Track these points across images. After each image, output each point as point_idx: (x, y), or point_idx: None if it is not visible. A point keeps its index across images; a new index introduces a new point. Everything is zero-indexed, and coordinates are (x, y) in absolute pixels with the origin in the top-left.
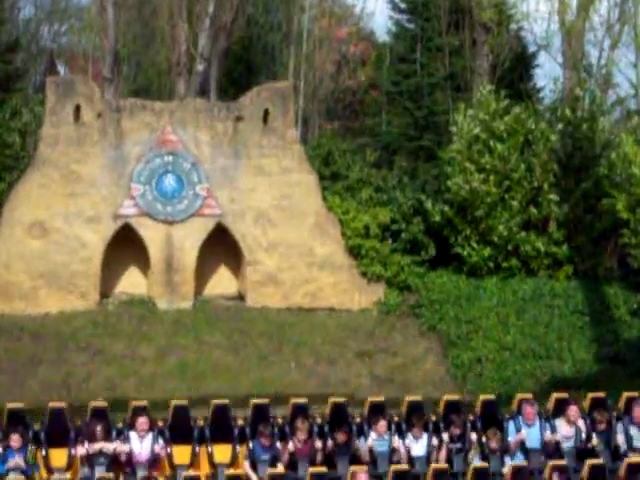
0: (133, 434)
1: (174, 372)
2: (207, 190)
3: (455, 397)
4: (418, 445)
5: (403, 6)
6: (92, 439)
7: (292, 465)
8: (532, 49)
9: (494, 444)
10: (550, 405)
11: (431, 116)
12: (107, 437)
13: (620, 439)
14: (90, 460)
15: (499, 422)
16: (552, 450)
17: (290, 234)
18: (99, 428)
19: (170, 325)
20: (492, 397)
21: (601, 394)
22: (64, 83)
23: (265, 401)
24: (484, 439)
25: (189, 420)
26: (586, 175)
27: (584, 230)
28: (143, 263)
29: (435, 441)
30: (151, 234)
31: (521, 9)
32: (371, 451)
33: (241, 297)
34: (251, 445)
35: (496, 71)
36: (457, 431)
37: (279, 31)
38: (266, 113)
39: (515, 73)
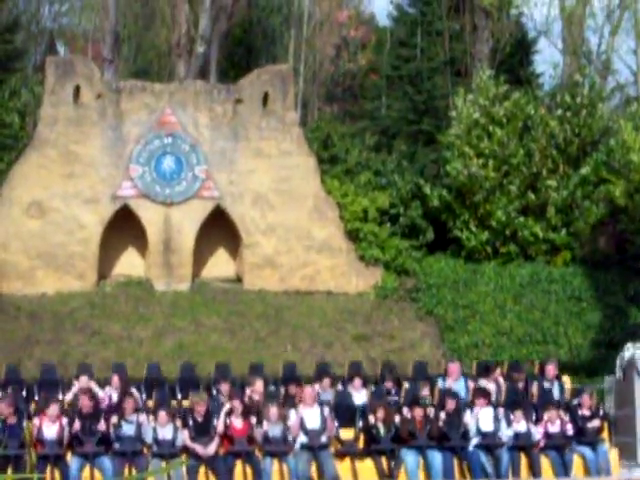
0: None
1: (171, 354)
2: (206, 172)
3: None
4: (361, 395)
5: None
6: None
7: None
8: (532, 35)
9: (425, 393)
10: (474, 369)
11: (430, 100)
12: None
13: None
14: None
15: (430, 378)
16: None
17: (288, 217)
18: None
19: (167, 307)
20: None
21: (516, 361)
22: (64, 63)
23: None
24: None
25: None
26: (584, 161)
27: (582, 216)
28: (141, 245)
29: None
30: (149, 216)
31: None
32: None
33: (238, 279)
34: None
35: (496, 56)
36: (391, 385)
37: (279, 14)
38: (266, 96)
39: (515, 58)
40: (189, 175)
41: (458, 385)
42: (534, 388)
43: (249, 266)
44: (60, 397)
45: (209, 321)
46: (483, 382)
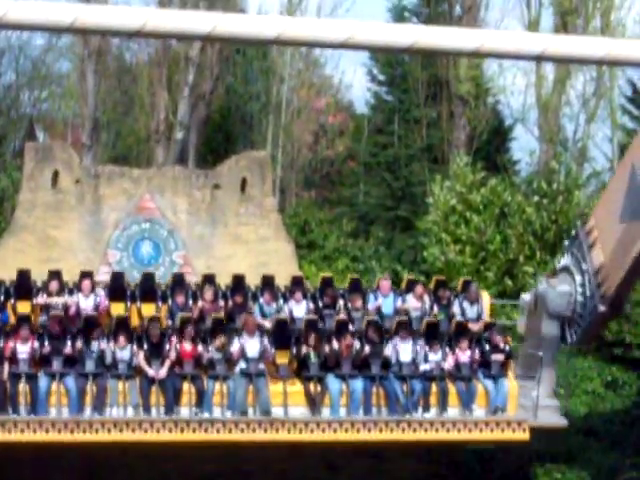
0: (80, 294)
1: None
2: (184, 257)
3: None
4: (300, 307)
5: (381, 78)
6: (49, 295)
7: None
8: (509, 122)
9: (358, 304)
10: (403, 285)
11: (408, 187)
12: (60, 293)
13: (457, 311)
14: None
15: (363, 292)
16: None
17: None
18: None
19: None
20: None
21: (442, 277)
22: (43, 149)
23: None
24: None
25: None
26: (561, 248)
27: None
28: None
29: (312, 306)
30: None
31: (498, 82)
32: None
33: None
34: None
35: (473, 143)
36: (329, 300)
37: (258, 101)
38: (244, 181)
39: (492, 145)
40: (167, 260)
41: (387, 301)
42: (455, 307)
43: None
44: (34, 301)
45: None
46: (409, 298)
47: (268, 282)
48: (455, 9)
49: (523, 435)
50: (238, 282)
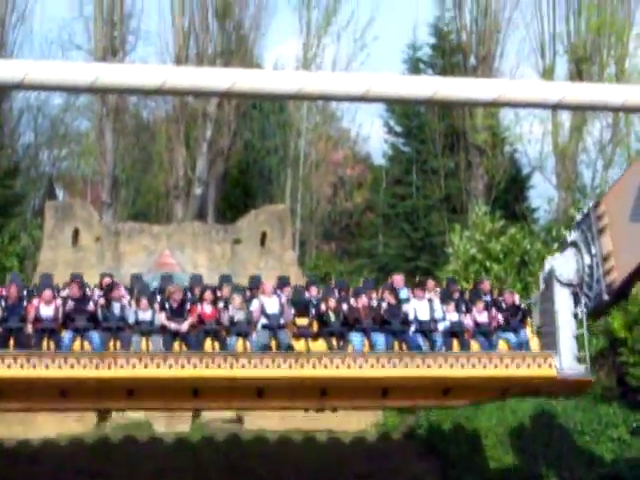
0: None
1: None
2: None
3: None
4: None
5: (398, 129)
6: None
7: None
8: (526, 170)
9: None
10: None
11: (427, 237)
12: None
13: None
14: None
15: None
16: None
17: None
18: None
19: (168, 447)
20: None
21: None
22: (63, 207)
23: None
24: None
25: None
26: (588, 335)
27: (588, 390)
28: None
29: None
30: None
31: (515, 131)
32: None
33: (239, 419)
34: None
35: (491, 192)
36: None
37: (276, 155)
38: (264, 235)
39: (510, 194)
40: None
41: (402, 292)
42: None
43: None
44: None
45: (210, 460)
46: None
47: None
48: (470, 59)
49: (549, 371)
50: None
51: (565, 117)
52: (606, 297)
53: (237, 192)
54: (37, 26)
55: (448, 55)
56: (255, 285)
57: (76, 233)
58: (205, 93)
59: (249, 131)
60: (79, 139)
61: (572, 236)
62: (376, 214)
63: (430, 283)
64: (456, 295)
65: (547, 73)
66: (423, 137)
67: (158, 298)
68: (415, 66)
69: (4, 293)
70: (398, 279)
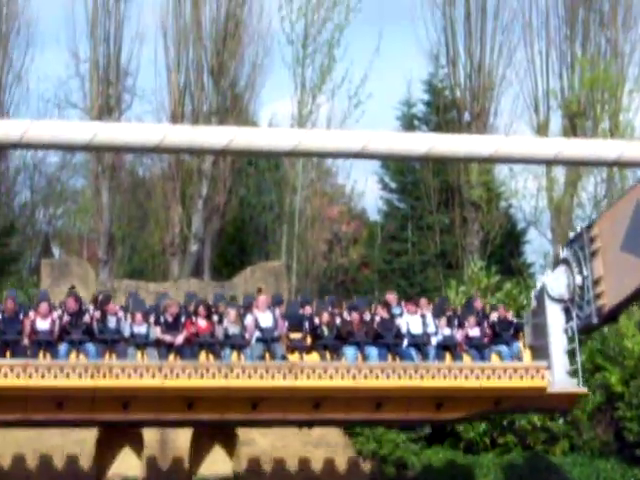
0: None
1: None
2: None
3: None
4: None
5: (393, 186)
6: None
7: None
8: (522, 225)
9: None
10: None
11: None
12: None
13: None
14: None
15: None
16: None
17: None
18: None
19: None
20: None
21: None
22: (59, 265)
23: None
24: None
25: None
26: (581, 349)
27: (579, 405)
28: (137, 443)
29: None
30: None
31: (510, 187)
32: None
33: (236, 477)
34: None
35: (487, 248)
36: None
37: (271, 211)
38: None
39: (505, 249)
40: None
41: (395, 310)
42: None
43: (246, 463)
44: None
45: None
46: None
47: None
48: (464, 116)
49: (541, 382)
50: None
51: (560, 172)
52: (595, 320)
53: (233, 249)
54: (33, 85)
55: (442, 111)
56: (249, 303)
57: (72, 287)
58: (203, 151)
59: (245, 188)
60: (75, 197)
61: (564, 253)
62: (372, 270)
63: (423, 301)
64: (448, 312)
65: (541, 129)
66: (418, 193)
67: (153, 315)
68: (409, 122)
69: (1, 307)
70: (391, 297)
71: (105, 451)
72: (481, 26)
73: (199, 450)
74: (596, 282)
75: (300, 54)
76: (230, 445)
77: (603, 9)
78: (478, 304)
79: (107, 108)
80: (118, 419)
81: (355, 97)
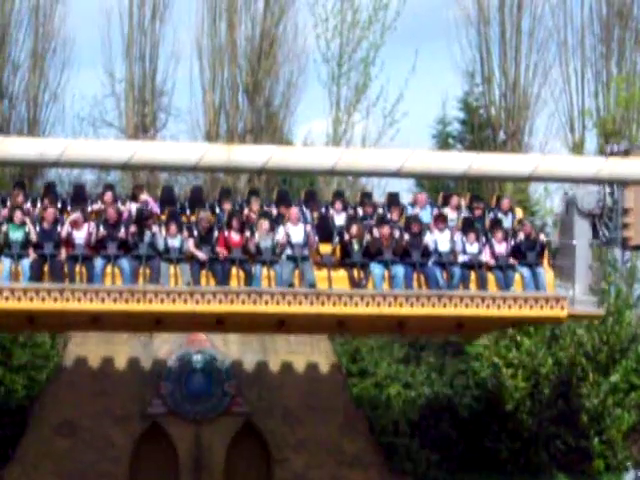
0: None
1: None
2: (235, 387)
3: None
4: (340, 217)
5: None
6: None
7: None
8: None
9: (395, 216)
10: (439, 199)
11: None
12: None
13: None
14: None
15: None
16: None
17: (319, 432)
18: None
19: None
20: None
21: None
22: None
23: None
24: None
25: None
26: (614, 369)
27: (614, 424)
28: (172, 462)
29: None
30: (179, 433)
31: (545, 205)
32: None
33: None
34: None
35: None
36: (368, 210)
37: None
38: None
39: None
40: (219, 391)
41: (424, 212)
42: (489, 216)
43: None
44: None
45: None
46: (446, 210)
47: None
48: (499, 134)
49: (561, 312)
50: (282, 195)
51: None
52: (619, 247)
53: None
54: (69, 104)
55: (477, 130)
56: (283, 200)
57: None
58: (240, 170)
59: None
60: None
61: None
62: None
63: (454, 200)
64: (478, 212)
65: (576, 148)
66: None
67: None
68: (444, 141)
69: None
70: (421, 198)
71: (139, 469)
72: (516, 45)
73: (233, 469)
74: (625, 212)
75: (335, 72)
76: (264, 464)
77: (639, 27)
78: (505, 204)
79: (142, 127)
80: (151, 331)
81: (390, 115)
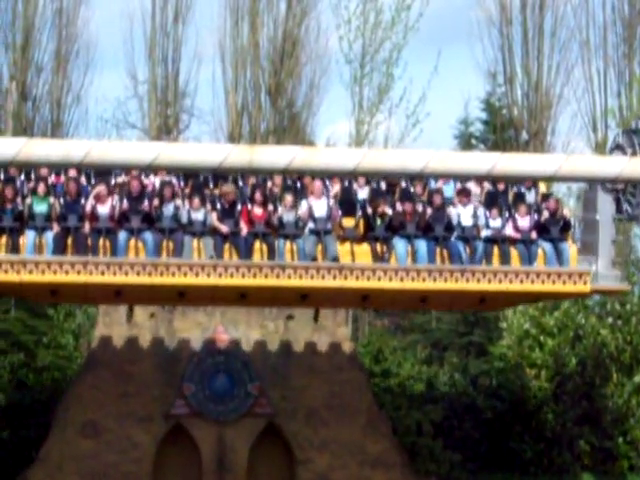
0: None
1: None
2: (258, 389)
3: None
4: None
5: None
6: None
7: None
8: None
9: (419, 189)
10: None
11: (480, 312)
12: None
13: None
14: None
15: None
16: None
17: (342, 432)
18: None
19: None
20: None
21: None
22: None
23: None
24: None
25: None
26: (638, 369)
27: (638, 424)
28: (194, 463)
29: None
30: (203, 434)
31: (568, 205)
32: None
33: None
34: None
35: None
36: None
37: None
38: (317, 312)
39: None
40: (242, 392)
41: (447, 187)
42: (512, 190)
43: None
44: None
45: None
46: (469, 184)
47: None
48: (522, 134)
49: (584, 287)
50: None
51: None
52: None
53: None
54: (92, 106)
55: (500, 130)
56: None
57: (130, 310)
58: (263, 170)
59: None
60: None
61: (621, 138)
62: None
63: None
64: (501, 186)
65: (599, 148)
66: None
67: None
68: (467, 141)
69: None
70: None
71: (163, 470)
72: (538, 45)
73: (257, 470)
74: None
75: (358, 73)
76: (287, 464)
77: None
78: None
79: (165, 128)
80: (174, 304)
81: (413, 116)
